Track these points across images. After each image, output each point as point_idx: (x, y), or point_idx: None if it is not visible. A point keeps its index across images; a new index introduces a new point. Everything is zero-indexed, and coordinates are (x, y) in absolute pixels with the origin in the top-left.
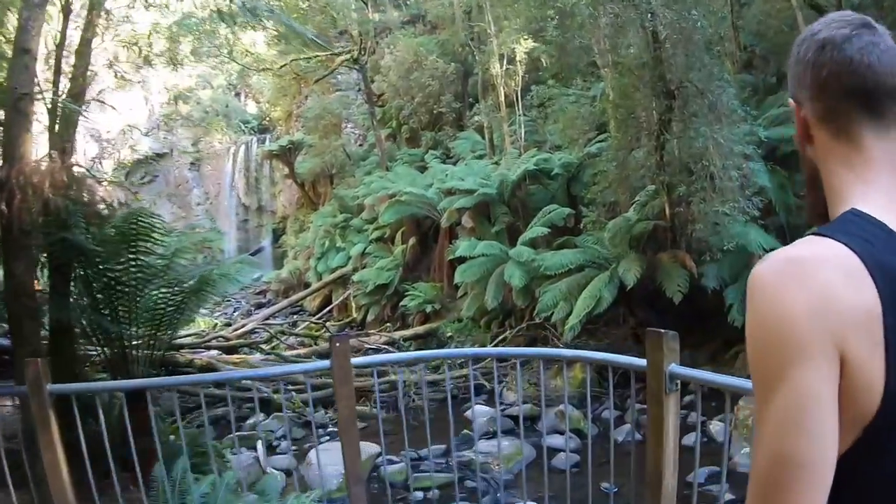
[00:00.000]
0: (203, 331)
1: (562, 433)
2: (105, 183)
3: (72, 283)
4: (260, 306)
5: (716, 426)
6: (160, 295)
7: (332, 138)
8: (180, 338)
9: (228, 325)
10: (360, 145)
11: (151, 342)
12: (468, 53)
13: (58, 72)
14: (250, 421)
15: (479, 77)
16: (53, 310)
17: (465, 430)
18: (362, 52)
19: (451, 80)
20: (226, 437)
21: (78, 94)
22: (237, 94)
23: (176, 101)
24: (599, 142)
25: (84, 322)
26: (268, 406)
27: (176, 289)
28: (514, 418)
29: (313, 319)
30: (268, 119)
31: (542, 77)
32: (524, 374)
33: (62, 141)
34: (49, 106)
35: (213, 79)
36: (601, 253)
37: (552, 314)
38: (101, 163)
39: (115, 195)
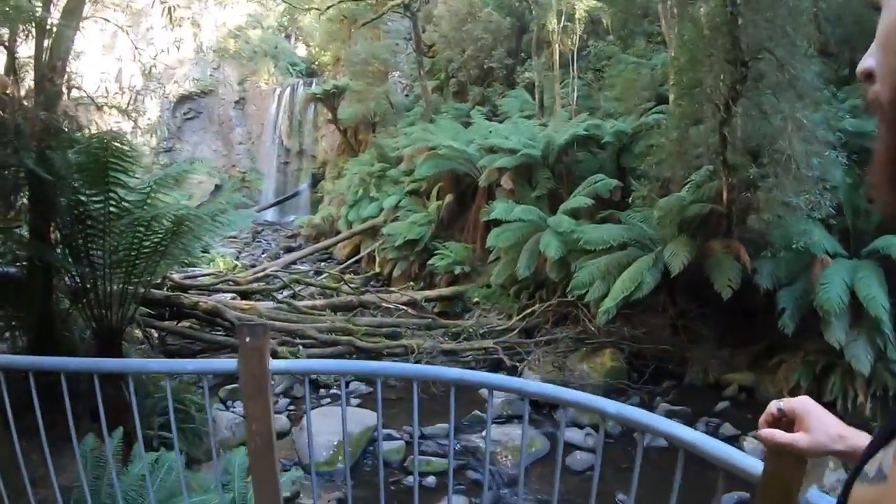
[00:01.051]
0: (221, 271)
1: (581, 427)
2: (108, 108)
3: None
4: (290, 250)
5: (750, 443)
6: (134, 235)
7: (377, 85)
8: (192, 277)
9: (253, 265)
10: (406, 95)
11: (126, 287)
12: (525, 8)
13: None
14: None
15: (534, 33)
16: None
17: (476, 412)
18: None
19: (504, 35)
20: (224, 386)
21: (73, 10)
22: (287, 36)
23: (225, 38)
24: (657, 112)
25: (48, 261)
26: (273, 358)
27: (151, 228)
28: (534, 403)
29: (338, 269)
30: (316, 63)
31: (601, 38)
32: (551, 354)
33: (53, 60)
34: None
35: (264, 19)
36: (647, 232)
37: (586, 293)
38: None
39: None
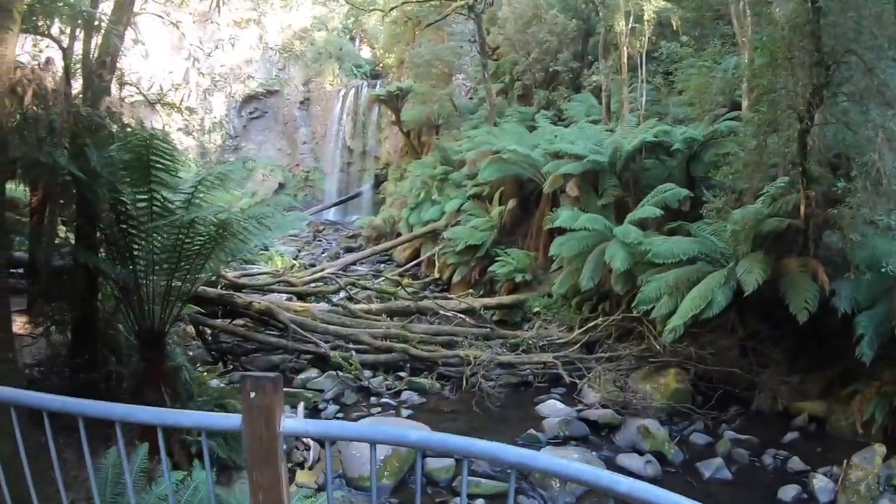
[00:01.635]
0: (279, 270)
1: (641, 453)
2: (163, 106)
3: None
4: (349, 250)
5: (820, 481)
6: (177, 237)
7: (441, 87)
8: (249, 275)
9: (312, 265)
10: (470, 98)
11: (169, 289)
12: (591, 10)
13: None
14: (302, 376)
15: (601, 35)
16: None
17: (532, 431)
18: (478, 0)
19: (570, 38)
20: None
21: (122, 6)
22: (352, 38)
23: (290, 40)
24: (730, 119)
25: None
26: (324, 362)
27: (195, 230)
28: (592, 424)
29: (397, 272)
30: (380, 65)
31: (669, 41)
32: (612, 371)
33: (101, 56)
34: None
35: (329, 21)
36: (717, 246)
37: (653, 308)
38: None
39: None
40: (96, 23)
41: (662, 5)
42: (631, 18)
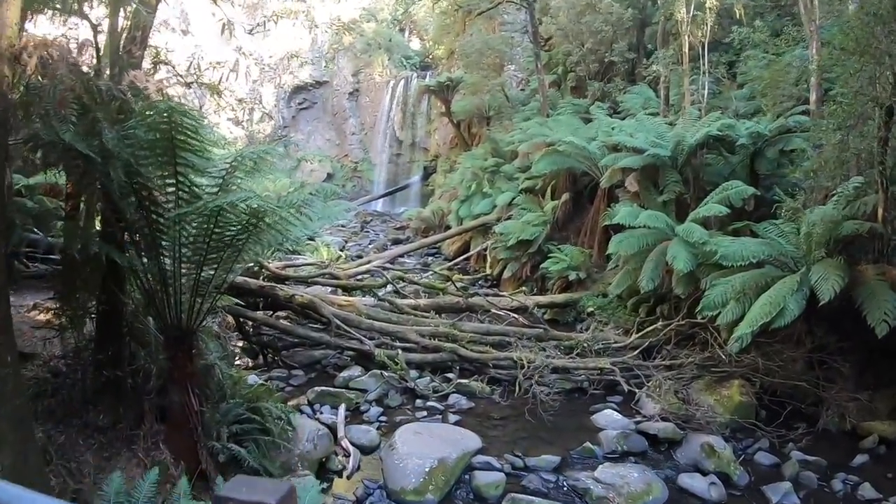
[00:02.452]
0: (324, 261)
1: (704, 473)
2: (199, 87)
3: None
4: (397, 242)
5: None
6: (206, 226)
7: (492, 78)
8: (293, 266)
9: (360, 256)
10: (522, 90)
11: (198, 284)
12: (647, 0)
13: None
14: (344, 374)
15: (659, 24)
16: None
17: (588, 444)
18: None
19: (626, 28)
20: (314, 386)
21: None
22: (401, 30)
23: (339, 31)
24: (800, 113)
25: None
26: (368, 360)
27: (225, 218)
28: (652, 438)
29: (446, 266)
30: (430, 56)
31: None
32: (673, 381)
33: (132, 31)
34: None
35: (378, 12)
36: (785, 249)
37: (718, 314)
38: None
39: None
40: None
41: None
42: (692, 6)
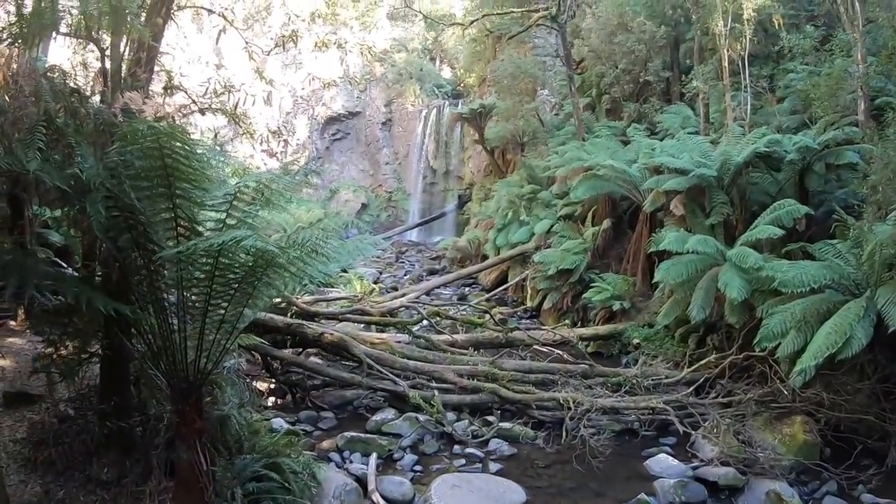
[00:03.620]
0: (357, 294)
1: None
2: (213, 113)
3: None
4: (433, 272)
5: None
6: (207, 268)
7: (525, 102)
8: (325, 300)
9: (395, 288)
10: (556, 114)
11: (203, 333)
12: (680, 16)
13: None
14: (377, 417)
15: (695, 38)
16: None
17: (643, 496)
18: (561, 10)
19: (659, 46)
20: (344, 429)
21: (160, 9)
22: (432, 59)
23: (371, 61)
24: (851, 125)
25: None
26: (402, 402)
27: (230, 258)
28: (711, 485)
29: (483, 298)
30: (461, 85)
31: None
32: (730, 419)
33: (139, 52)
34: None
35: (409, 42)
36: (845, 271)
37: (777, 345)
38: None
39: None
40: (126, 11)
41: (763, 2)
42: (729, 18)
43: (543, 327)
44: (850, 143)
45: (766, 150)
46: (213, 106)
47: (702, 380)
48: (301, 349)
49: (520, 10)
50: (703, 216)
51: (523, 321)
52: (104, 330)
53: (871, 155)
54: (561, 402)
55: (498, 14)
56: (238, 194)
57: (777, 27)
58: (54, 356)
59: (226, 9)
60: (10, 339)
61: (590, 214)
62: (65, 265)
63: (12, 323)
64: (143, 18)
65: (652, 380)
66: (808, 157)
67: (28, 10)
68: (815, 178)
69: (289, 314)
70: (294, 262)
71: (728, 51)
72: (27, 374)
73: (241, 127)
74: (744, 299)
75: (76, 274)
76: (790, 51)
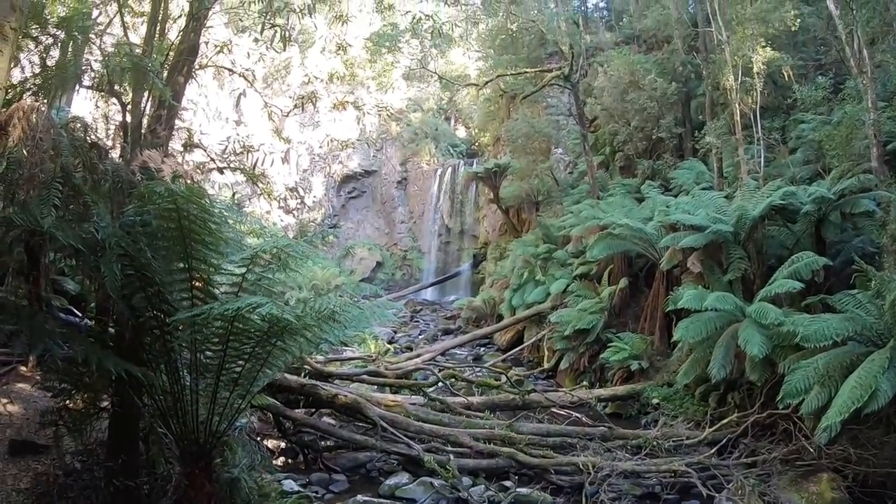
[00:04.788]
0: (370, 354)
1: None
2: (232, 171)
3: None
4: (448, 332)
5: None
6: (222, 333)
7: (540, 161)
8: (339, 360)
9: (409, 348)
10: (570, 173)
11: (216, 397)
12: (690, 73)
13: (154, 35)
14: (390, 481)
15: (706, 93)
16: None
17: None
18: (573, 70)
19: (671, 103)
20: (356, 493)
21: (182, 68)
22: (447, 119)
23: (387, 121)
24: (866, 172)
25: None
26: (416, 466)
27: (245, 323)
28: None
29: (499, 358)
30: (476, 144)
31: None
32: (755, 479)
33: (159, 109)
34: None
35: (424, 102)
36: (867, 321)
37: (801, 401)
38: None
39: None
40: (149, 70)
41: (772, 55)
42: (739, 72)
43: (560, 389)
44: (866, 190)
45: (782, 202)
46: (232, 165)
47: (724, 440)
48: (314, 409)
49: (533, 70)
50: (720, 272)
51: (540, 382)
52: (115, 385)
53: (887, 202)
54: (580, 466)
55: (511, 74)
56: (255, 258)
57: (787, 79)
58: (63, 410)
59: (246, 70)
60: (20, 385)
61: (606, 273)
62: (78, 314)
63: (22, 368)
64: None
65: (673, 441)
66: (823, 207)
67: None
68: (832, 228)
69: (302, 374)
70: (310, 328)
71: (739, 105)
72: (35, 423)
73: (259, 187)
74: (765, 356)
75: (89, 323)
76: (802, 102)
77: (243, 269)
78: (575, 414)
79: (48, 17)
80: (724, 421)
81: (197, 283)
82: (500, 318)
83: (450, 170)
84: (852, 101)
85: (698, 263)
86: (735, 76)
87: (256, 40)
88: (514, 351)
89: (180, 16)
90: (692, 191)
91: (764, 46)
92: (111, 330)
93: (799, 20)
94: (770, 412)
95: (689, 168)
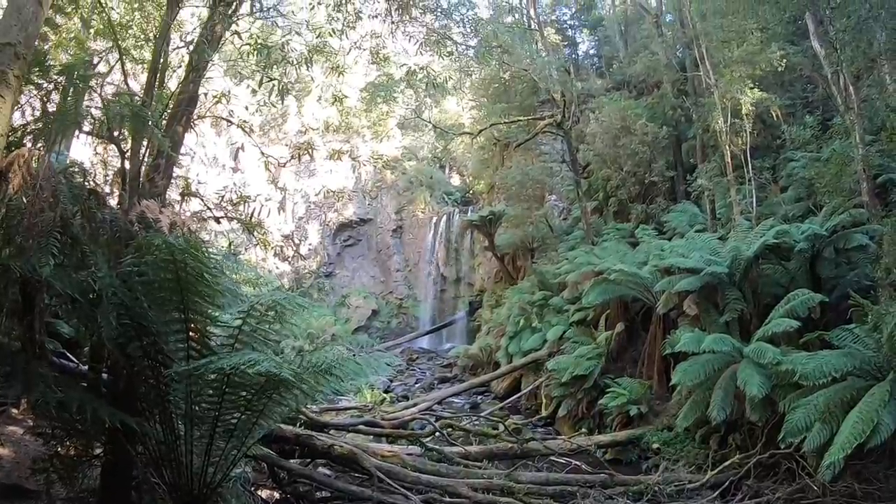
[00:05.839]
0: (367, 404)
1: None
2: (229, 221)
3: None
4: (444, 381)
5: None
6: (218, 385)
7: (534, 209)
8: (334, 409)
9: (406, 397)
10: (564, 219)
11: (212, 447)
12: (681, 115)
13: (154, 85)
14: None
15: (696, 136)
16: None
17: None
18: (566, 117)
19: (662, 147)
20: None
21: (181, 118)
22: (441, 167)
23: (382, 170)
24: (857, 207)
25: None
26: None
27: (241, 377)
28: None
29: (497, 407)
30: (471, 192)
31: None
32: None
33: (157, 158)
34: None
35: (419, 151)
36: (865, 355)
37: (803, 439)
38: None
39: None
40: (147, 120)
41: (760, 96)
42: (729, 114)
43: (559, 436)
44: (858, 224)
45: (776, 241)
46: (229, 215)
47: (727, 482)
48: (310, 460)
49: (526, 118)
50: (716, 314)
51: (538, 430)
52: (108, 433)
53: (880, 235)
54: None
55: (505, 123)
56: (251, 311)
57: (776, 118)
58: (55, 456)
59: (243, 121)
60: (11, 428)
61: (602, 318)
62: (73, 359)
63: (14, 410)
64: (164, 125)
65: (675, 486)
66: (817, 243)
67: (53, 105)
68: (826, 264)
69: (297, 424)
70: (306, 381)
71: (730, 146)
72: (26, 468)
73: (255, 237)
74: (765, 395)
75: (83, 368)
76: (791, 141)
77: (239, 322)
78: (574, 461)
79: (51, 63)
80: (727, 463)
81: (193, 334)
82: (497, 365)
83: (445, 218)
84: (840, 137)
85: (694, 306)
86: (724, 118)
87: (254, 91)
88: (511, 399)
89: (180, 66)
90: (686, 233)
91: (752, 88)
92: (105, 376)
93: (785, 60)
94: (772, 452)
95: (682, 211)
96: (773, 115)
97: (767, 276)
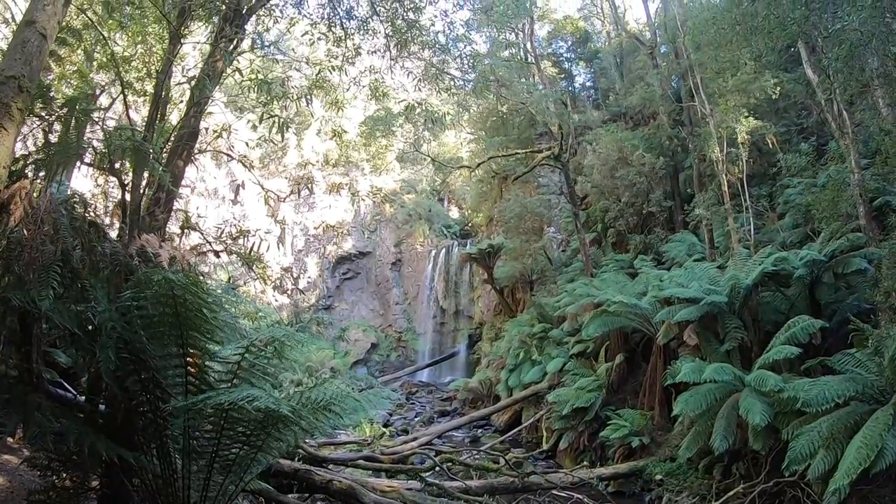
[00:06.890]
0: (366, 438)
1: None
2: (228, 255)
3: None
4: (444, 414)
5: None
6: (216, 421)
7: (533, 241)
8: (333, 443)
9: (405, 431)
10: (563, 251)
11: (209, 483)
12: (677, 146)
13: (156, 118)
14: None
15: (693, 166)
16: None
17: None
18: (563, 149)
19: (659, 177)
20: None
21: (182, 152)
22: (440, 200)
23: (381, 203)
24: (855, 231)
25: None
26: None
27: (240, 413)
28: None
29: (497, 440)
30: (470, 225)
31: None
32: None
33: (158, 192)
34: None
35: (417, 184)
36: (867, 380)
37: (807, 467)
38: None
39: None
40: (148, 154)
41: (755, 124)
42: (725, 143)
43: (561, 469)
44: (856, 248)
45: (774, 268)
46: (229, 248)
47: None
48: (308, 494)
49: (524, 151)
50: (717, 343)
51: (539, 463)
52: (104, 465)
53: (878, 259)
54: None
55: (503, 156)
56: (250, 347)
57: (771, 146)
58: (50, 488)
59: (243, 156)
60: (6, 457)
61: (602, 350)
62: (70, 389)
63: (10, 440)
64: (164, 158)
65: None
66: (815, 269)
67: (55, 136)
68: (826, 290)
69: (296, 458)
70: (305, 418)
71: (726, 175)
72: (21, 498)
73: (254, 271)
74: (767, 423)
75: (80, 399)
76: (788, 168)
77: (238, 357)
78: (577, 495)
79: (54, 95)
80: (731, 493)
81: (192, 369)
82: (498, 398)
83: (444, 251)
84: (836, 162)
85: (694, 336)
86: (721, 147)
87: (255, 127)
88: (512, 432)
89: (181, 100)
90: (685, 263)
91: (747, 116)
92: (102, 408)
93: (779, 88)
94: (776, 480)
95: (680, 240)
96: (769, 142)
97: (767, 304)
